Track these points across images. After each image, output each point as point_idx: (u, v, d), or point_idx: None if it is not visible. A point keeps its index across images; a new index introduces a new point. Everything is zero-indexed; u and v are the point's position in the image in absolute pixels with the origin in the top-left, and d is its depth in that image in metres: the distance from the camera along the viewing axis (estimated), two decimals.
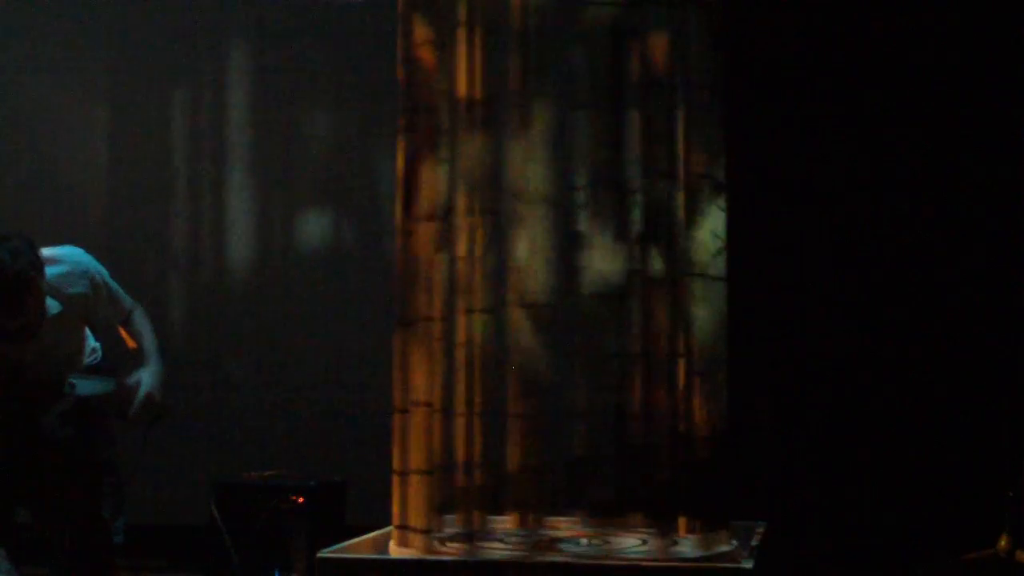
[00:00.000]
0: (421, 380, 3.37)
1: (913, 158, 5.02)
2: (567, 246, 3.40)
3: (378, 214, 5.48)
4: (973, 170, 5.00)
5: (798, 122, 5.04)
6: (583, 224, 3.38)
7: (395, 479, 3.39)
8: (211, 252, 5.55)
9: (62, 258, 3.89)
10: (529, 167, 3.37)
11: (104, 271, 4.00)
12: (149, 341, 4.15)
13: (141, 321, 4.16)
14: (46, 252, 3.82)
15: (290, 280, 5.49)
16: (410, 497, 3.33)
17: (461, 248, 3.40)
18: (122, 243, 5.47)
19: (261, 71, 5.57)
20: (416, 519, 3.32)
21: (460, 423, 3.45)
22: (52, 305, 3.89)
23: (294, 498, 4.65)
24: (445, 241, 3.39)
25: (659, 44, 3.36)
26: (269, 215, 5.51)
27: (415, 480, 3.34)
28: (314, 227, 5.49)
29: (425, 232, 3.36)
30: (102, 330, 4.52)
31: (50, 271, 3.81)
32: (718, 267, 3.43)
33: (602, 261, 3.38)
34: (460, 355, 3.43)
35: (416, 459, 3.32)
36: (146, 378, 4.02)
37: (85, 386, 4.15)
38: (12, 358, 3.93)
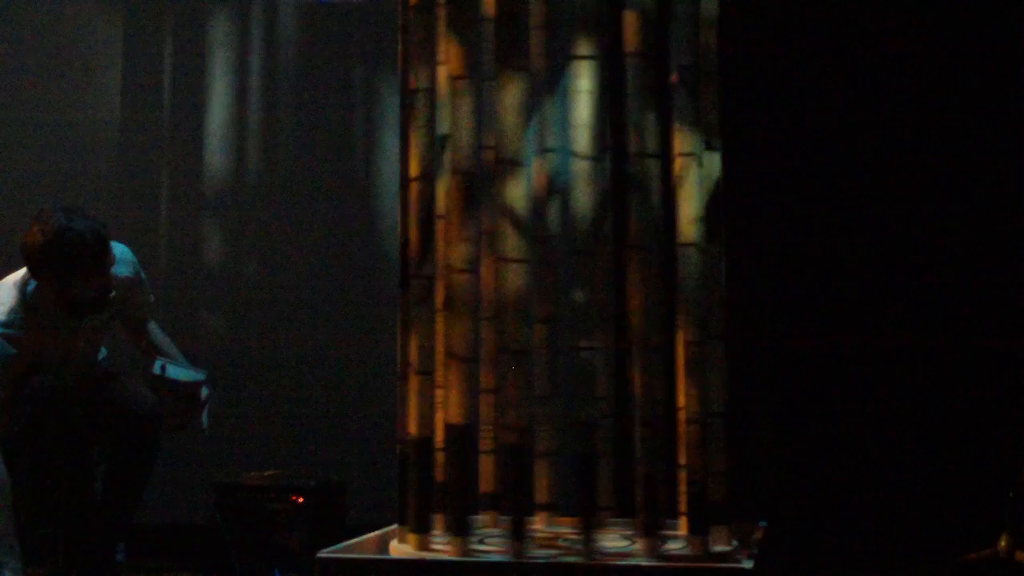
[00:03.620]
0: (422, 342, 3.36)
1: (915, 154, 5.02)
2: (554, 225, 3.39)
3: (380, 214, 5.48)
4: (975, 167, 5.00)
5: (796, 106, 5.04)
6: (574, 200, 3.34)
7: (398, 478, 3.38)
8: (211, 252, 5.55)
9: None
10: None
11: (139, 265, 4.29)
12: (177, 351, 4.29)
13: (159, 332, 4.31)
14: None
15: (290, 279, 5.48)
16: (411, 495, 3.33)
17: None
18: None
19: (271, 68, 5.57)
20: (416, 518, 3.32)
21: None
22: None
23: (294, 498, 4.65)
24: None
25: (649, 21, 3.35)
26: (269, 215, 5.51)
27: (415, 477, 3.34)
28: (315, 227, 5.49)
29: (418, 189, 3.37)
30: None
31: None
32: (718, 266, 3.43)
33: (596, 250, 3.37)
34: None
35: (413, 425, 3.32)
36: (205, 387, 4.17)
37: (177, 371, 4.19)
38: (62, 349, 4.02)
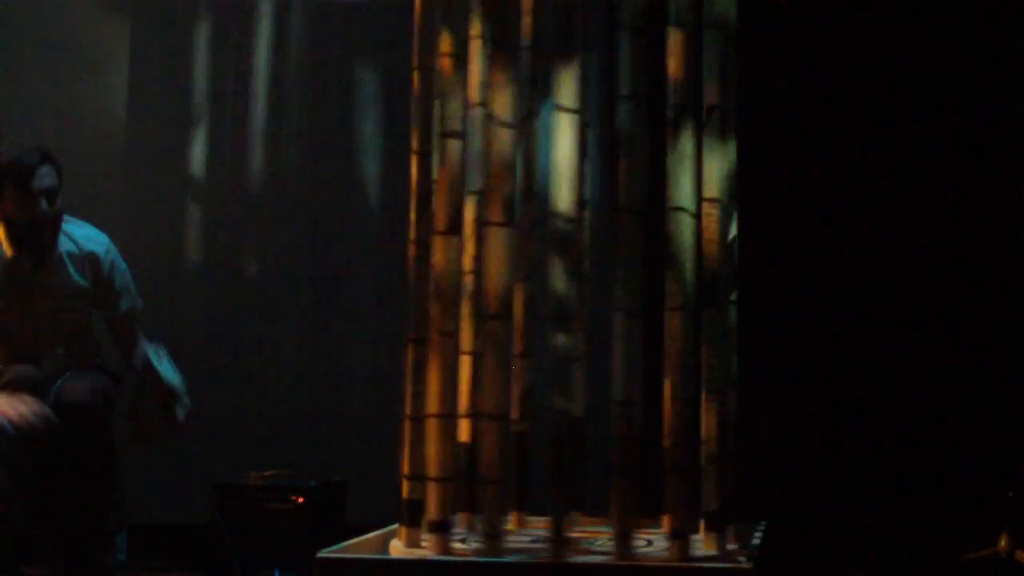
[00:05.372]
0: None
1: (917, 155, 5.02)
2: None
3: (385, 214, 5.47)
4: (976, 169, 5.00)
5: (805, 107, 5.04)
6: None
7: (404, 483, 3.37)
8: (213, 251, 5.55)
9: (85, 224, 4.23)
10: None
11: (120, 259, 4.26)
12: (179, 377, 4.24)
13: (154, 356, 4.22)
14: (73, 220, 4.20)
15: (292, 278, 5.48)
16: (405, 485, 3.33)
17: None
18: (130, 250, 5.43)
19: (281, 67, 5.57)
20: (409, 511, 3.32)
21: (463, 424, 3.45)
22: (69, 249, 4.14)
23: (294, 498, 4.65)
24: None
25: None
26: (272, 214, 5.51)
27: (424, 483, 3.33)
28: (318, 226, 5.49)
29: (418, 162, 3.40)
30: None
31: (73, 228, 4.17)
32: (723, 267, 3.43)
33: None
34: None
35: (432, 467, 3.29)
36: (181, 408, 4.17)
37: (167, 369, 4.16)
38: (15, 318, 4.03)
